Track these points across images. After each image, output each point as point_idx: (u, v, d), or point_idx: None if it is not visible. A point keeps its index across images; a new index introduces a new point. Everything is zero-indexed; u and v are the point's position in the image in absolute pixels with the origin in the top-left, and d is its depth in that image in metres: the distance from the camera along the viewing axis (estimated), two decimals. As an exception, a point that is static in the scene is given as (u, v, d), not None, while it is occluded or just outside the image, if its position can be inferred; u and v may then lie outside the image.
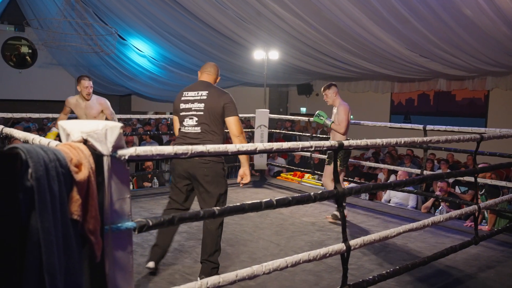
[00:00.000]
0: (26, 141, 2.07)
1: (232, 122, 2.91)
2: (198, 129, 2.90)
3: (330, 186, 4.44)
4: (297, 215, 4.75)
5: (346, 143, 2.27)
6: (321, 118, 4.57)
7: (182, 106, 2.95)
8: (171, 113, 15.78)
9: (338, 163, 4.45)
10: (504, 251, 3.74)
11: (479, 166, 3.55)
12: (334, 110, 4.63)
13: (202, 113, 2.89)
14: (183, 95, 2.99)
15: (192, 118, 2.91)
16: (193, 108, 2.91)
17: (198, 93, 2.94)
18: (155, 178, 6.56)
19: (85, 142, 1.41)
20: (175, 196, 3.08)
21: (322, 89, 4.71)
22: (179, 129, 3.05)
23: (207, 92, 2.92)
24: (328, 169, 4.56)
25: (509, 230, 3.83)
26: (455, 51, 7.65)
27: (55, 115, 5.45)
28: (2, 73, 12.09)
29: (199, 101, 2.90)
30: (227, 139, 3.80)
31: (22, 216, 1.14)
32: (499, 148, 8.46)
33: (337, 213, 4.47)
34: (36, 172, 1.16)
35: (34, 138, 1.90)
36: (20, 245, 1.13)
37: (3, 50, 12.27)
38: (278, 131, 8.87)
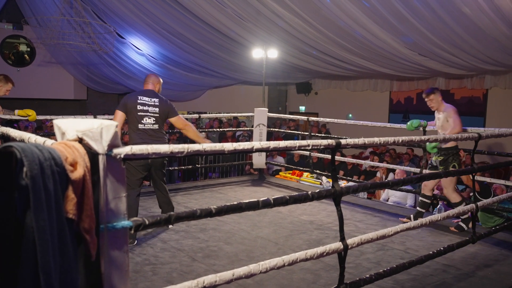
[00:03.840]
0: (22, 140, 2.06)
1: (175, 120, 3.94)
2: (156, 127, 3.82)
3: (455, 196, 4.24)
4: (296, 213, 4.75)
5: (343, 141, 2.26)
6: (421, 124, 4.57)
7: (140, 107, 3.77)
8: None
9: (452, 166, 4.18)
10: (501, 249, 3.74)
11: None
12: (440, 115, 4.32)
13: (158, 115, 3.82)
14: (138, 99, 3.80)
15: (150, 118, 3.79)
16: (149, 111, 3.79)
17: (151, 100, 3.83)
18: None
19: (80, 141, 1.41)
20: (137, 184, 3.87)
21: (424, 94, 4.38)
22: (134, 125, 3.81)
23: (158, 99, 3.85)
24: (447, 179, 4.17)
25: (507, 229, 3.83)
26: (454, 50, 7.65)
27: (53, 117, 5.46)
28: (0, 71, 12.05)
29: (154, 106, 3.82)
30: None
31: (17, 214, 1.13)
32: (498, 147, 8.47)
33: (463, 225, 4.23)
34: (31, 170, 1.16)
35: (30, 137, 1.89)
36: (16, 243, 1.13)
37: (1, 48, 12.24)
38: (277, 130, 8.86)
